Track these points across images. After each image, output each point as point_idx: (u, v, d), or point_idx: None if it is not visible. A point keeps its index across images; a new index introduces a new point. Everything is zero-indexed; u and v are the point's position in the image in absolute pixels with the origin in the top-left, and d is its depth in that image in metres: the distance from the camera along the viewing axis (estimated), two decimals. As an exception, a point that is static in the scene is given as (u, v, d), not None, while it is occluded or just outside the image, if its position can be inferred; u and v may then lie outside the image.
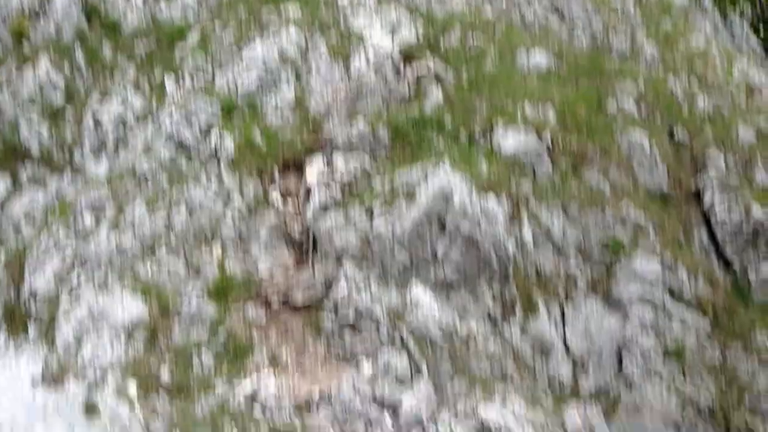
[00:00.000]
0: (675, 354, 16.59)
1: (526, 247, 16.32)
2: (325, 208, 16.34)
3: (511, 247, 15.95)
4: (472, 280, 15.71)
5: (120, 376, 14.16)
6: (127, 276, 15.74)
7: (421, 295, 15.35)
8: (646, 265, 16.87)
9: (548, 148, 17.49)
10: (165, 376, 14.46)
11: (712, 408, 16.42)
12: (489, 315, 15.68)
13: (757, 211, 17.99)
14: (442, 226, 15.78)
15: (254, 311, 15.51)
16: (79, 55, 18.85)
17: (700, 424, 16.26)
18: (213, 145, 17.17)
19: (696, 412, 16.32)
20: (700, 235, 18.00)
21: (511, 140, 17.29)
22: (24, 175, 17.85)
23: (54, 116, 18.35)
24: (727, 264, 17.93)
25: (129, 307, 15.22)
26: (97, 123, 18.19)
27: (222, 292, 15.68)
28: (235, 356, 14.82)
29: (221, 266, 15.98)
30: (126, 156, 17.71)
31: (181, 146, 17.34)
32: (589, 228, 17.11)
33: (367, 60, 18.16)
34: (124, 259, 16.03)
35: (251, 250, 16.30)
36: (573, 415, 14.19)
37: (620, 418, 16.04)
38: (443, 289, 15.60)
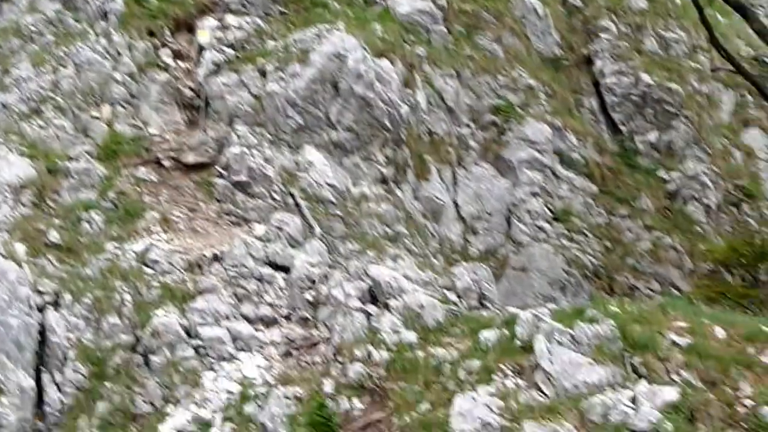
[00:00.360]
0: (562, 217, 16.97)
1: (419, 110, 16.36)
2: (217, 69, 16.09)
3: (404, 111, 15.96)
4: (366, 143, 15.71)
5: (7, 236, 13.91)
6: (14, 136, 15.37)
7: (314, 156, 15.31)
8: (536, 129, 17.09)
9: (443, 12, 17.42)
10: (54, 236, 14.26)
11: (597, 269, 16.92)
12: (382, 177, 15.75)
13: (645, 77, 18.29)
14: (336, 89, 15.68)
15: (145, 172, 15.31)
16: None
17: (585, 284, 16.74)
18: (101, 2, 16.68)
19: (581, 272, 16.79)
20: (590, 101, 18.28)
21: (405, 4, 17.17)
22: None
23: (-67, -29, 17.63)
24: (615, 130, 18.29)
25: (16, 167, 14.88)
26: (-21, -22, 17.54)
27: (112, 152, 15.41)
28: (126, 217, 14.62)
29: (111, 126, 15.69)
30: (10, 13, 17.13)
31: (67, 3, 16.80)
32: (481, 92, 17.20)
33: None
34: (10, 118, 15.63)
35: (142, 110, 16.02)
36: (463, 274, 14.40)
37: (508, 278, 16.45)
38: (336, 151, 15.58)
